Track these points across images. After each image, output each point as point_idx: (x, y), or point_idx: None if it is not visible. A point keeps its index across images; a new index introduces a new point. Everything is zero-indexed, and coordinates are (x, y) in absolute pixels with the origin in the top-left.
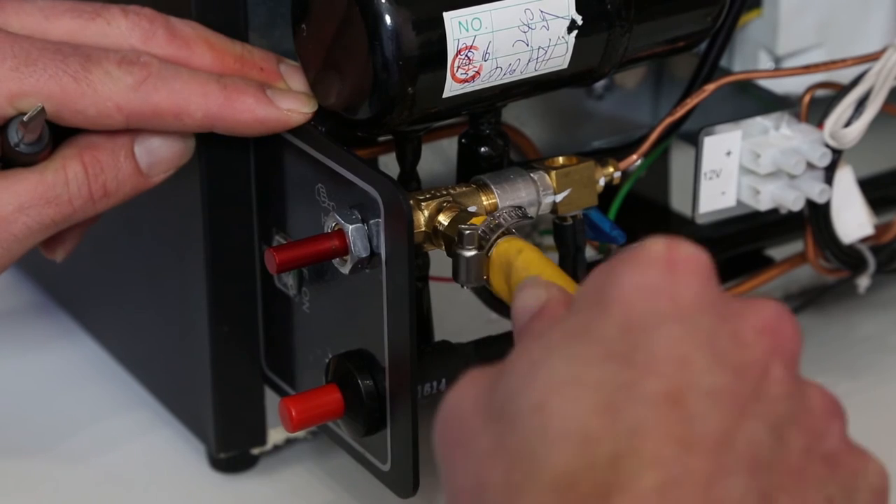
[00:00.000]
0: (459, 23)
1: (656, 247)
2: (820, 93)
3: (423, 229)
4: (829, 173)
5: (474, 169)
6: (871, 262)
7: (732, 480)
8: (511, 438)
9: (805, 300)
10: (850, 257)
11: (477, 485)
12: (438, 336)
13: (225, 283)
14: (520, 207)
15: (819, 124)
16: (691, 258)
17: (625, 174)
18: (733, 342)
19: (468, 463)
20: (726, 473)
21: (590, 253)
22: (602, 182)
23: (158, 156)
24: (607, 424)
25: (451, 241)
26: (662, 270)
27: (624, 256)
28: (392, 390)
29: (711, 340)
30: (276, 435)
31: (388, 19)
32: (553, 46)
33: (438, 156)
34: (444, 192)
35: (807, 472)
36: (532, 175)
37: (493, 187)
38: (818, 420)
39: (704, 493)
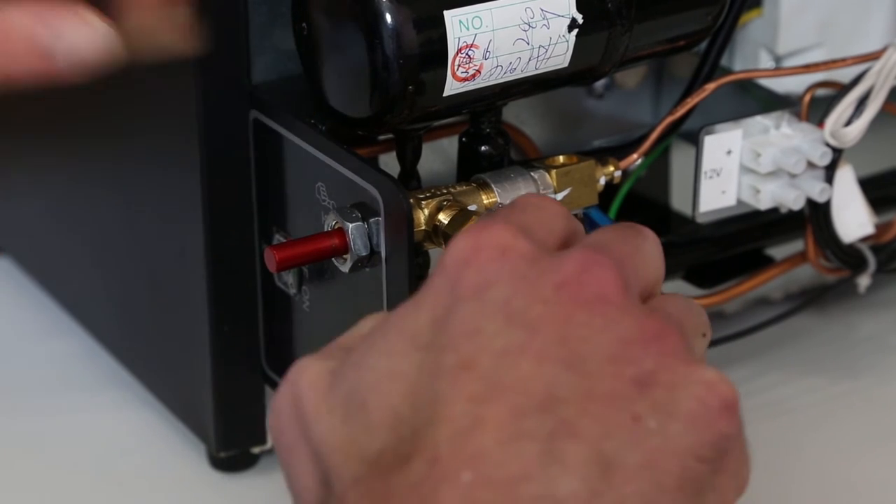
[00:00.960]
0: (460, 21)
1: (459, 244)
2: (820, 92)
3: (424, 228)
4: (829, 172)
5: (475, 168)
6: (872, 261)
7: (526, 420)
8: (341, 431)
9: (805, 300)
10: (850, 257)
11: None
12: None
13: (225, 282)
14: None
15: (819, 123)
16: (492, 240)
17: (625, 173)
18: (530, 301)
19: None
20: (519, 415)
21: None
22: (602, 181)
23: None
24: (413, 406)
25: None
26: (465, 262)
27: (445, 254)
28: None
29: (506, 307)
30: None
31: (388, 18)
32: (554, 45)
33: (439, 154)
34: (445, 191)
35: (613, 395)
36: (532, 174)
37: (493, 186)
38: (632, 347)
39: (495, 435)
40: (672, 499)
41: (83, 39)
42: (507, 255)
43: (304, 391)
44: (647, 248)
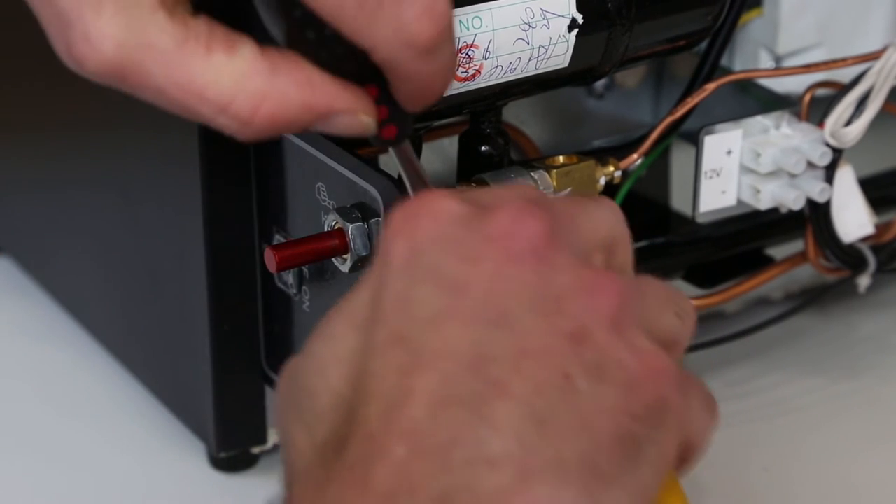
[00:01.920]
0: (460, 21)
1: (394, 216)
2: (820, 92)
3: None
4: (829, 172)
5: (475, 168)
6: (872, 261)
7: (455, 385)
8: (299, 423)
9: (805, 300)
10: (850, 257)
11: (286, 463)
12: None
13: (225, 282)
14: None
15: (819, 123)
16: (425, 205)
17: (625, 173)
18: (458, 263)
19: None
20: (449, 379)
21: None
22: (602, 181)
23: None
24: (352, 385)
25: None
26: (397, 233)
27: (383, 231)
28: None
29: (435, 271)
30: (276, 434)
31: None
32: (554, 45)
33: (439, 155)
34: None
35: (544, 351)
36: (533, 174)
37: (493, 186)
38: (568, 304)
39: (425, 404)
40: (608, 455)
41: (349, 129)
42: (437, 217)
43: (279, 386)
44: (597, 210)
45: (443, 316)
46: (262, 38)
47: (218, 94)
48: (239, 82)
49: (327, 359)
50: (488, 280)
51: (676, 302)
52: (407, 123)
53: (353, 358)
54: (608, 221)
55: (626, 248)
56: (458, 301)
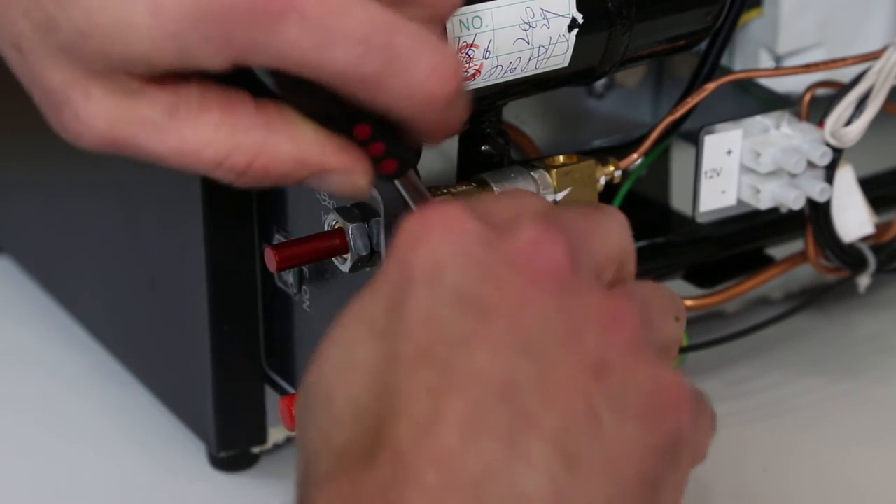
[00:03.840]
0: (460, 21)
1: (408, 224)
2: (820, 92)
3: None
4: (829, 172)
5: (475, 167)
6: (872, 261)
7: (486, 413)
8: (314, 426)
9: (805, 299)
10: (850, 256)
11: (301, 466)
12: None
13: (225, 281)
14: None
15: (820, 123)
16: (442, 217)
17: (625, 173)
18: (483, 285)
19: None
20: (479, 406)
21: None
22: (602, 181)
23: None
24: (374, 396)
25: None
26: (415, 242)
27: (396, 237)
28: None
29: (459, 292)
30: (276, 434)
31: None
32: (554, 45)
33: (439, 155)
34: (445, 191)
35: (569, 383)
36: (532, 174)
37: (493, 186)
38: (591, 336)
39: (457, 430)
40: (635, 496)
41: (342, 189)
42: (456, 233)
43: (300, 390)
44: (609, 224)
45: (471, 339)
46: (259, 89)
47: (213, 153)
48: (233, 139)
49: (344, 364)
50: (514, 307)
51: (674, 305)
52: (408, 155)
53: (375, 367)
54: (618, 235)
55: (633, 259)
56: (485, 326)
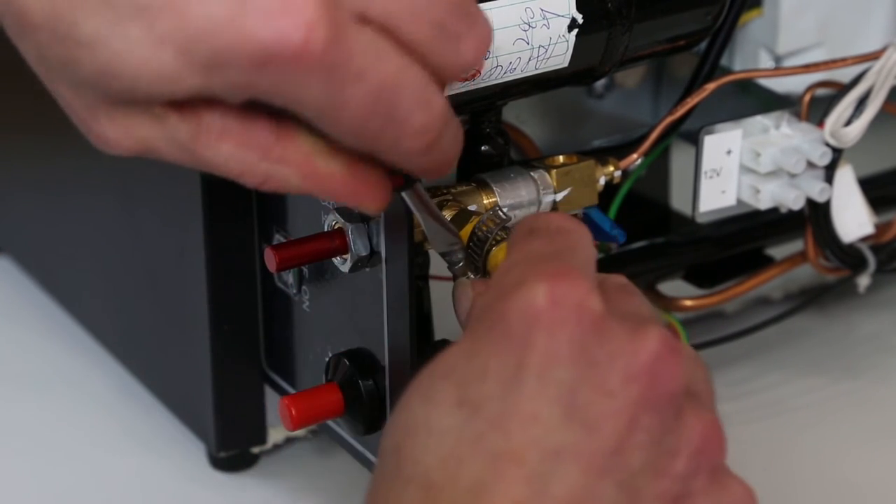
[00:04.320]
0: None
1: (537, 294)
2: (820, 92)
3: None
4: (829, 172)
5: (475, 167)
6: (872, 261)
7: None
8: (381, 472)
9: (805, 300)
10: (850, 256)
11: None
12: (438, 335)
13: (225, 281)
14: (497, 213)
15: (819, 123)
16: (571, 302)
17: (625, 173)
18: (595, 394)
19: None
20: None
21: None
22: (602, 181)
23: None
24: (451, 476)
25: None
26: (537, 320)
27: (509, 295)
28: (392, 389)
29: (570, 394)
30: (276, 434)
31: None
32: (554, 45)
33: None
34: (445, 191)
35: None
36: (532, 174)
37: (493, 186)
38: (681, 462)
39: None
40: None
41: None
42: (580, 321)
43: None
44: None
45: (569, 454)
46: None
47: (228, 172)
48: (245, 166)
49: (421, 423)
50: (620, 426)
51: (708, 379)
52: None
53: (453, 442)
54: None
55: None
56: (586, 441)
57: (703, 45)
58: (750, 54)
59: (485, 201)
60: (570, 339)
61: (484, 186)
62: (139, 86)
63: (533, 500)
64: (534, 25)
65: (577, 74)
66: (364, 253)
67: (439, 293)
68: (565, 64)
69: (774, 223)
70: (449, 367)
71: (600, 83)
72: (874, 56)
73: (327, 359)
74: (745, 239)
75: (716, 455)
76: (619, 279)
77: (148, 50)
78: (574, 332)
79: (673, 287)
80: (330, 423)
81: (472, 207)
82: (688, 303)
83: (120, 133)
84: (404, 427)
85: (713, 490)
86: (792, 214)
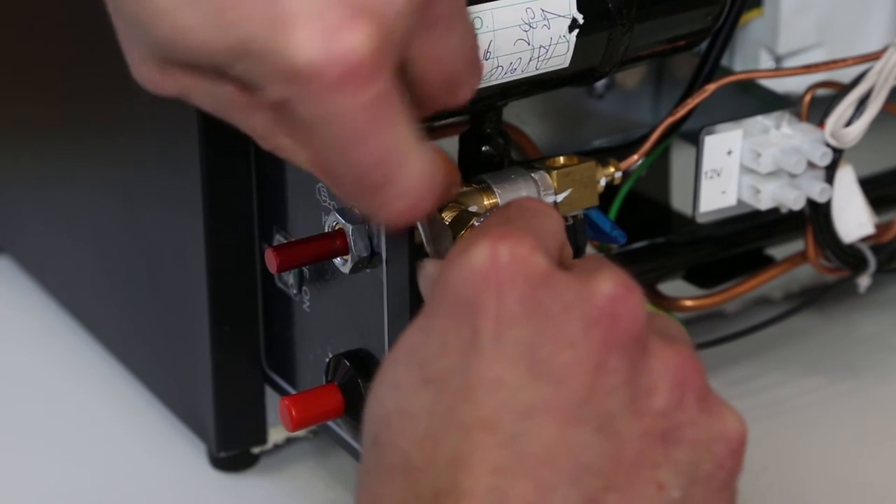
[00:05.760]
0: None
1: (478, 255)
2: (821, 92)
3: None
4: (829, 172)
5: (475, 168)
6: (872, 261)
7: (555, 496)
8: (365, 466)
9: (805, 300)
10: (850, 256)
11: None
12: None
13: (225, 282)
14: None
15: (820, 123)
16: (514, 261)
17: (625, 174)
18: (556, 346)
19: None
20: (547, 491)
21: (590, 252)
22: (603, 182)
23: None
24: (429, 455)
25: None
26: (483, 282)
27: (452, 262)
28: None
29: (530, 351)
30: (276, 434)
31: None
32: (554, 45)
33: None
34: None
35: (640, 459)
36: (533, 175)
37: (493, 187)
38: (661, 397)
39: None
40: None
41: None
42: (528, 276)
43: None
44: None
45: (540, 410)
46: None
47: (251, 134)
48: (268, 133)
49: (392, 409)
50: (589, 373)
51: (678, 327)
52: None
53: (427, 421)
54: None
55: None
56: (555, 394)
57: (703, 46)
58: (750, 54)
59: (485, 202)
60: (520, 296)
61: (484, 187)
62: (198, 58)
63: (511, 462)
64: (534, 26)
65: (578, 75)
66: (365, 254)
67: None
68: (566, 64)
69: (775, 223)
70: (409, 348)
71: (600, 83)
72: (874, 56)
73: (327, 359)
74: (746, 239)
75: (696, 382)
76: (592, 257)
77: (209, 32)
78: (523, 288)
79: (673, 287)
80: (330, 423)
81: (472, 209)
82: (688, 303)
83: (166, 80)
84: (378, 417)
85: (702, 419)
86: (792, 214)
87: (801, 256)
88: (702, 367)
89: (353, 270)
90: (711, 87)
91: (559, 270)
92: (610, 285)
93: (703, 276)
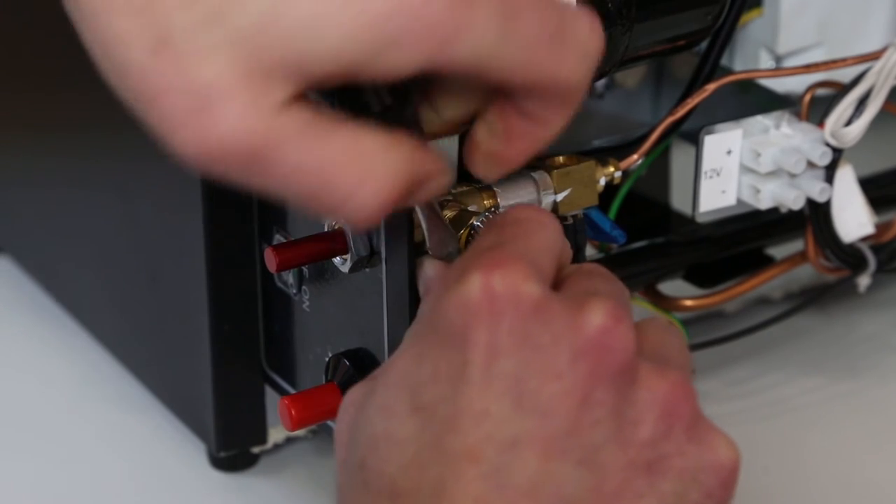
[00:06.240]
0: None
1: (472, 286)
2: (821, 92)
3: None
4: (829, 172)
5: None
6: (872, 261)
7: None
8: (349, 490)
9: (805, 299)
10: (850, 256)
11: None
12: None
13: (225, 281)
14: (488, 216)
15: (820, 123)
16: (507, 292)
17: (625, 173)
18: (543, 378)
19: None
20: None
21: (590, 252)
22: (603, 181)
23: None
24: (414, 483)
25: None
26: (474, 314)
27: (448, 290)
28: None
29: (517, 384)
30: (276, 434)
31: None
32: None
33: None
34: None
35: (623, 490)
36: (532, 174)
37: (493, 186)
38: (646, 428)
39: None
40: None
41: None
42: (518, 308)
43: (338, 419)
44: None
45: (524, 442)
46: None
47: None
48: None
49: (380, 435)
50: (574, 406)
51: (686, 353)
52: None
53: (414, 449)
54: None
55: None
56: (540, 426)
57: (703, 45)
58: (750, 54)
59: (485, 202)
60: (509, 328)
61: (484, 187)
62: (297, 43)
63: (492, 494)
64: None
65: None
66: (364, 253)
67: None
68: None
69: (774, 223)
70: (400, 375)
71: (600, 83)
72: (874, 56)
73: (327, 359)
74: (746, 239)
75: (685, 411)
76: (590, 266)
77: (313, 1)
78: (513, 320)
79: (673, 287)
80: (330, 423)
81: (472, 208)
82: (688, 303)
83: (236, 115)
84: (366, 441)
85: (691, 448)
86: (792, 214)
87: (801, 256)
88: (694, 394)
89: (352, 270)
90: (711, 86)
91: (551, 297)
92: (600, 316)
93: (702, 276)
